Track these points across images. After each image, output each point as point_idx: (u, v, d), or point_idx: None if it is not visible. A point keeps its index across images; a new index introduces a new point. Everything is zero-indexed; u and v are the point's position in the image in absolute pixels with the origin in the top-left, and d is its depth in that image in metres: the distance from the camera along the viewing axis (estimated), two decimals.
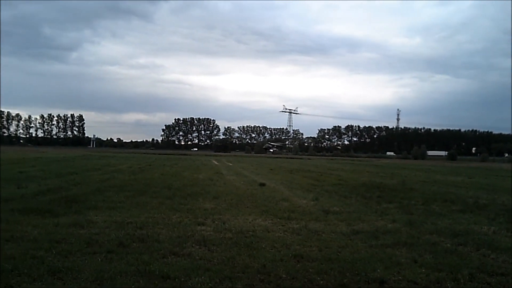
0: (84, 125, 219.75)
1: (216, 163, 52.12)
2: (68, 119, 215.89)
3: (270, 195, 16.81)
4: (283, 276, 6.57)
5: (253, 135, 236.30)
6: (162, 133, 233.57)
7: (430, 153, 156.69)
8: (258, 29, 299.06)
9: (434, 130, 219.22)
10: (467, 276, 6.72)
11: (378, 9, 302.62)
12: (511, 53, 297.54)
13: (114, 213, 11.58)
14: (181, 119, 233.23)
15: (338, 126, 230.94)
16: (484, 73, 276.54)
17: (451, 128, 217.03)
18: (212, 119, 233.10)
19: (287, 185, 21.75)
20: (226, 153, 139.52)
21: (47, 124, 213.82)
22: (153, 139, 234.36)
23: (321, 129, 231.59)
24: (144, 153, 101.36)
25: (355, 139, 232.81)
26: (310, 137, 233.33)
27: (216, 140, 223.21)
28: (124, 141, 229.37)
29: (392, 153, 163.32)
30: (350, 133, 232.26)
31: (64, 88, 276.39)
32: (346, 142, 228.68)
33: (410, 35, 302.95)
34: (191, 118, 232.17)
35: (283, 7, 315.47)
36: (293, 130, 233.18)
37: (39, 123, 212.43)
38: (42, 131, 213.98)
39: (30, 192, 15.32)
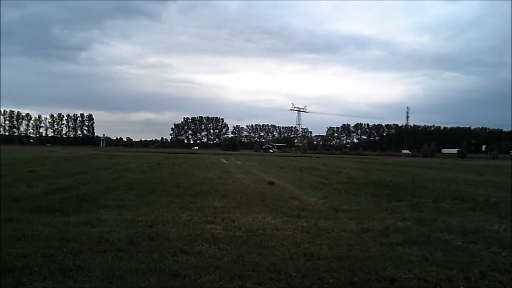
0: (94, 125, 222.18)
1: (225, 161, 52.16)
2: (78, 119, 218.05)
3: (279, 193, 16.80)
4: (293, 274, 6.56)
5: (262, 134, 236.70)
6: (171, 132, 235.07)
7: (444, 151, 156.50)
8: (266, 27, 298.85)
9: (444, 127, 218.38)
10: (478, 274, 6.68)
11: (387, 7, 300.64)
12: None
13: (124, 211, 11.63)
14: (190, 118, 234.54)
15: (347, 124, 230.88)
16: (494, 71, 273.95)
17: (461, 126, 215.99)
18: (220, 117, 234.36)
19: (296, 184, 21.72)
20: (235, 152, 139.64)
21: (57, 124, 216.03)
22: (162, 138, 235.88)
23: (330, 127, 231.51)
24: (154, 152, 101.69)
25: (364, 137, 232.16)
26: (319, 135, 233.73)
27: (224, 138, 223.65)
28: (133, 140, 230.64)
29: (407, 151, 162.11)
30: (359, 131, 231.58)
31: (74, 87, 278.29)
32: (355, 140, 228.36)
33: (419, 33, 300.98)
34: (199, 117, 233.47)
35: (291, 5, 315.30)
36: (301, 128, 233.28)
37: (49, 122, 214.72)
38: (52, 130, 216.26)
39: (40, 191, 15.43)
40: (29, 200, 13.08)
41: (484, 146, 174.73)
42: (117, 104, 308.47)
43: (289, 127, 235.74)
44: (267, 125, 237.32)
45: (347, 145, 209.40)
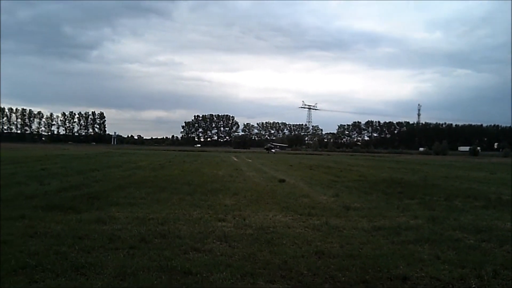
0: (105, 123, 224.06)
1: (235, 159, 52.23)
2: (89, 117, 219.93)
3: (290, 191, 16.77)
4: (305, 272, 6.55)
5: (272, 132, 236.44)
6: (182, 130, 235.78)
7: (461, 148, 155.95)
8: (276, 25, 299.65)
9: (456, 125, 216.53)
10: (491, 273, 6.61)
11: (398, 4, 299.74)
12: None
13: (136, 209, 11.68)
14: (201, 115, 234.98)
15: (358, 121, 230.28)
16: (506, 67, 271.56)
17: (473, 123, 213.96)
18: (231, 115, 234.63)
19: (307, 181, 21.67)
20: (245, 150, 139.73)
21: (68, 122, 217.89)
22: (173, 136, 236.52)
23: (341, 125, 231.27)
24: (165, 150, 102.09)
25: (375, 134, 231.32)
26: (330, 133, 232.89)
27: (235, 136, 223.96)
28: (144, 138, 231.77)
29: (424, 149, 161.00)
30: (370, 128, 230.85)
31: (85, 86, 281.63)
32: (366, 138, 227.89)
33: (430, 29, 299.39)
34: (210, 114, 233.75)
35: (302, 3, 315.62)
36: (312, 126, 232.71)
37: (60, 120, 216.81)
38: (63, 128, 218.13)
39: (53, 189, 15.56)
40: (42, 198, 13.20)
41: (496, 143, 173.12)
42: (128, 102, 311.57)
43: (299, 124, 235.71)
44: (278, 123, 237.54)
45: (358, 143, 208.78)
